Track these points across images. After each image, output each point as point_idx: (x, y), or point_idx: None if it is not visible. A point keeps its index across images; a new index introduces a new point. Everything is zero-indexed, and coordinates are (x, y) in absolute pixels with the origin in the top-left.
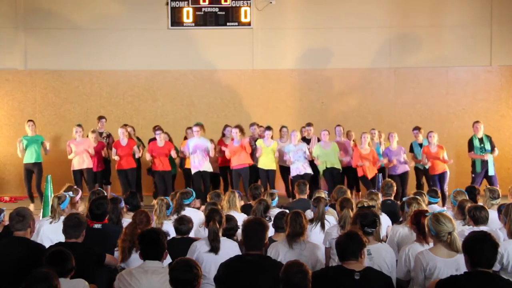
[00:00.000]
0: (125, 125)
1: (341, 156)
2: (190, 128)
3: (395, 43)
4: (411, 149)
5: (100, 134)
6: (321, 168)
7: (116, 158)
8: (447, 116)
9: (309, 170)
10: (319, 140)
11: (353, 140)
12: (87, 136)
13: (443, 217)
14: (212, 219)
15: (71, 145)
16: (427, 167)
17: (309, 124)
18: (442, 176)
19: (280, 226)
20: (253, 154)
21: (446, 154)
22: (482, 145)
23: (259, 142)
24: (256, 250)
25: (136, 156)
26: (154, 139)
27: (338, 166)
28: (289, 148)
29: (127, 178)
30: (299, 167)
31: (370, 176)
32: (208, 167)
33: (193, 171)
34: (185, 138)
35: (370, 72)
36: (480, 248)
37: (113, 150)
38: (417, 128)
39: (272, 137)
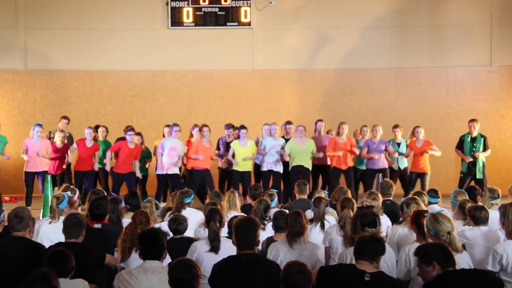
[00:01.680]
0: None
1: (317, 152)
2: (168, 126)
3: (395, 43)
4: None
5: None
6: (290, 164)
7: (72, 149)
8: (447, 116)
9: (279, 169)
10: None
11: None
12: (50, 138)
13: (442, 217)
14: (212, 219)
15: (27, 144)
16: (405, 159)
17: (288, 122)
18: (421, 177)
19: (280, 226)
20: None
21: (435, 147)
22: (474, 144)
23: (234, 144)
24: (248, 249)
25: (96, 164)
26: (122, 138)
27: (307, 165)
28: (267, 141)
29: (82, 180)
30: (270, 163)
31: (344, 167)
32: (175, 171)
33: (159, 172)
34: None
35: (370, 72)
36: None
37: (74, 145)
38: (396, 126)
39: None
